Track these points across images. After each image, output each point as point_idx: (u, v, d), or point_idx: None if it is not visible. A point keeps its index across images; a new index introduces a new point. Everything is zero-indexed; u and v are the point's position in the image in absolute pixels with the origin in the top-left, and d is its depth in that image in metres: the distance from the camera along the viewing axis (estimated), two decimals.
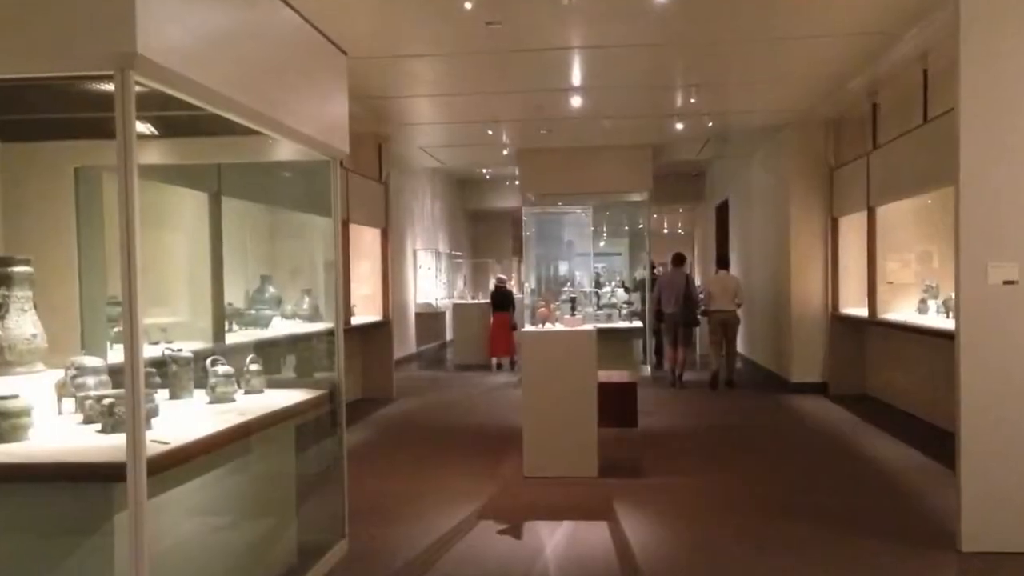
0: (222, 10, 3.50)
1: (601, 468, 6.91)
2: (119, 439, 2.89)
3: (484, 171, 18.29)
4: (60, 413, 3.60)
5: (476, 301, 17.03)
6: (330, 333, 5.02)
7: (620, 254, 22.34)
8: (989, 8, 4.89)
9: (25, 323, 3.58)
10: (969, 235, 4.92)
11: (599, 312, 12.32)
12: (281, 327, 5.84)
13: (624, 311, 13.34)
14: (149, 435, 2.95)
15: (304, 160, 4.93)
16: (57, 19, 2.78)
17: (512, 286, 16.96)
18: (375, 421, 9.96)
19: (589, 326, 7.16)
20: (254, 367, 4.38)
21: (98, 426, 3.29)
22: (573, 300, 7.52)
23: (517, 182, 14.47)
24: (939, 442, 7.61)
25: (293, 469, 4.71)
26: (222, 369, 4.13)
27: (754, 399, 11.14)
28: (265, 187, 5.55)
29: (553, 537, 5.45)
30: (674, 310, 12.23)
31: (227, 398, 4.10)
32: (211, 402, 4.06)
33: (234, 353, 4.52)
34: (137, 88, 2.79)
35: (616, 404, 7.82)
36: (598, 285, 13.63)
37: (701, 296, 12.87)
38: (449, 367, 15.93)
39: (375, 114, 10.78)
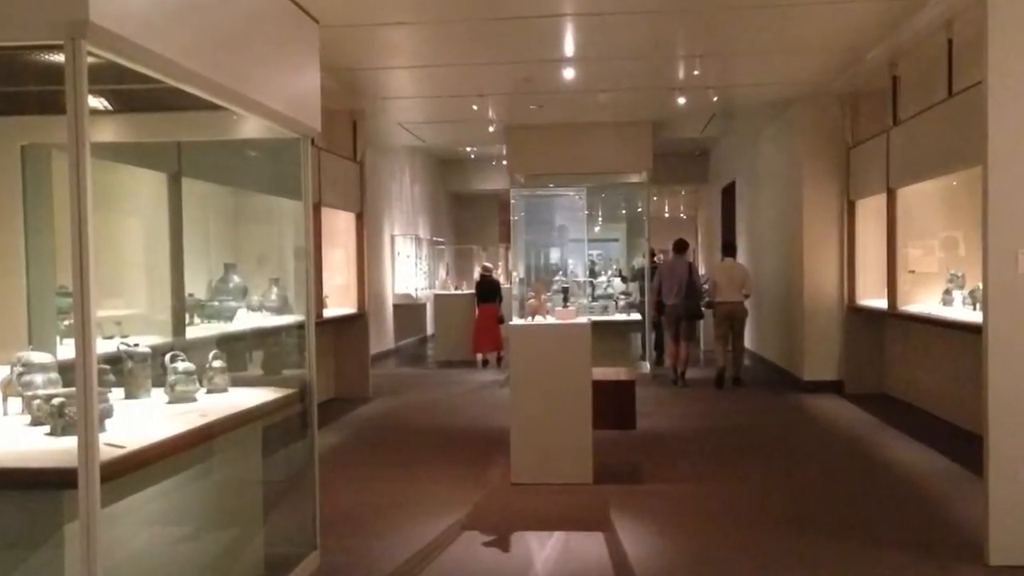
0: None
1: (596, 474, 6.95)
2: (70, 442, 2.89)
3: (468, 150, 18.30)
4: (5, 414, 3.60)
5: (460, 292, 17.03)
6: (300, 327, 5.03)
7: (617, 240, 22.43)
8: None
9: None
10: (998, 220, 4.94)
11: (594, 304, 12.36)
12: (247, 320, 5.83)
13: (621, 302, 13.38)
14: (102, 438, 2.96)
15: (272, 138, 4.92)
16: None
17: (499, 275, 16.97)
18: (349, 423, 9.98)
19: (583, 319, 7.18)
20: (217, 364, 4.38)
21: (47, 428, 3.28)
22: (566, 290, 7.53)
23: (504, 162, 14.49)
24: (965, 445, 7.68)
25: (260, 475, 4.72)
26: (182, 366, 4.13)
27: (763, 399, 11.20)
28: (229, 167, 5.54)
29: (544, 549, 5.48)
30: (676, 301, 12.27)
31: (188, 397, 4.10)
32: (170, 402, 4.07)
33: (195, 348, 4.52)
34: (89, 59, 2.78)
35: (613, 404, 7.83)
36: (593, 274, 13.66)
37: (705, 286, 12.91)
38: (430, 364, 15.95)
39: (349, 88, 10.75)
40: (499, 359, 14.88)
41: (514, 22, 8.21)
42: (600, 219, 19.38)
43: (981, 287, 5.20)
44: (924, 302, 9.29)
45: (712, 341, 13.02)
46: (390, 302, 16.66)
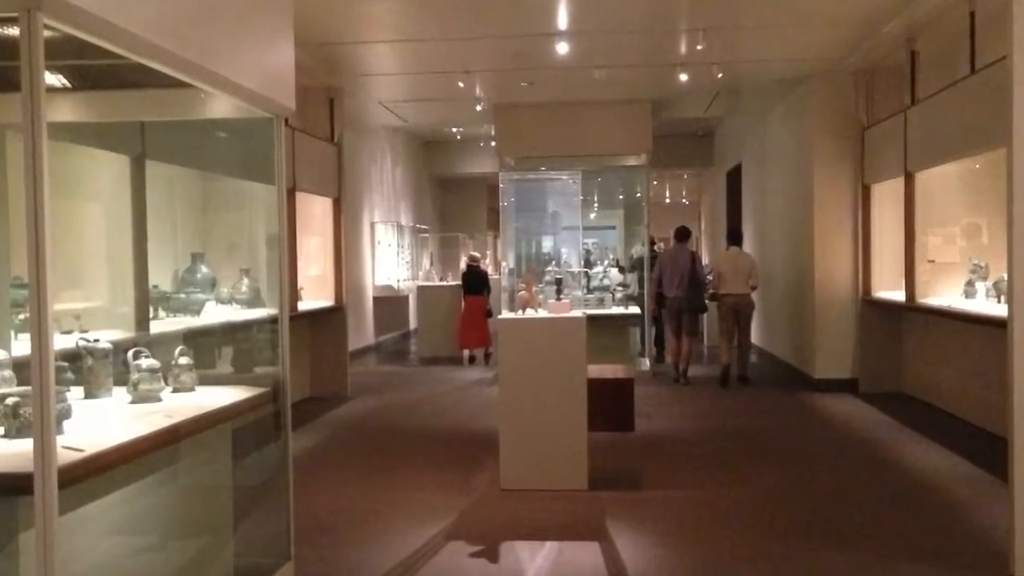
0: None
1: (591, 479, 6.97)
2: (25, 445, 2.90)
3: (454, 131, 18.28)
4: None
5: (445, 283, 17.04)
6: (273, 321, 5.02)
7: (614, 228, 22.42)
8: None
9: None
10: None
11: (589, 296, 12.36)
12: (216, 313, 5.84)
13: (619, 295, 13.39)
14: (60, 441, 2.96)
15: (243, 118, 4.91)
16: None
17: (487, 265, 17.00)
18: (326, 424, 9.98)
19: (578, 312, 7.20)
20: (184, 361, 4.38)
21: (0, 430, 3.29)
22: (559, 282, 7.54)
23: (493, 143, 14.48)
24: (988, 448, 7.73)
25: (230, 480, 4.72)
26: (146, 363, 4.12)
27: (771, 398, 11.25)
28: (197, 149, 5.53)
29: (535, 560, 5.50)
30: (677, 294, 12.29)
31: (152, 397, 4.10)
32: (133, 401, 4.06)
33: (160, 344, 4.52)
34: (46, 32, 2.78)
35: (610, 404, 7.88)
36: (588, 264, 13.65)
37: (709, 277, 12.95)
38: (413, 360, 15.97)
39: (326, 64, 10.73)
40: (487, 356, 14.89)
41: None
42: (596, 205, 19.39)
43: (1006, 278, 5.22)
44: (945, 294, 9.30)
45: (716, 336, 13.04)
46: (370, 294, 16.64)
